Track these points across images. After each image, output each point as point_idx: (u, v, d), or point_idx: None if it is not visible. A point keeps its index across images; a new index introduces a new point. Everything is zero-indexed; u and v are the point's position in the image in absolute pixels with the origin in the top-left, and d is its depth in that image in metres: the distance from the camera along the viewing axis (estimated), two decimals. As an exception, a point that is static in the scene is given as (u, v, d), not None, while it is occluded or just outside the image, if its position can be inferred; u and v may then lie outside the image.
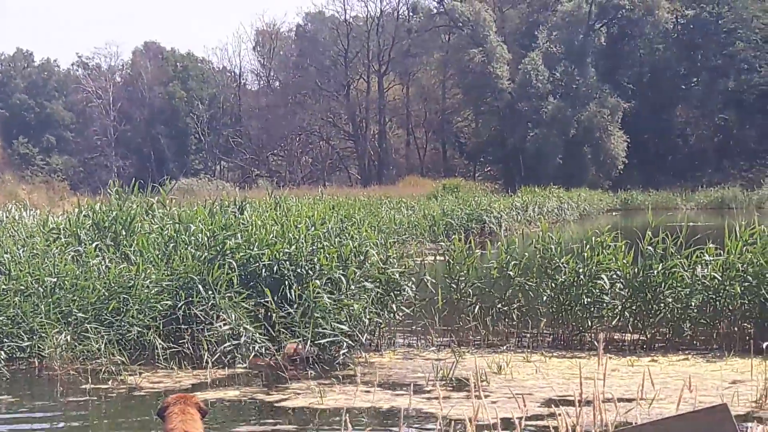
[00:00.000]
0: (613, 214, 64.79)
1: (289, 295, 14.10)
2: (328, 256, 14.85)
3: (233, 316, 13.58)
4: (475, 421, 5.44)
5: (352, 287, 14.66)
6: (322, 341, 13.52)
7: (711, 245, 14.99)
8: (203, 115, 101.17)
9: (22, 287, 14.51)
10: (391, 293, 15.39)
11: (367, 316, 14.47)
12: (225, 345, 13.35)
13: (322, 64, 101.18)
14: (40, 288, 14.39)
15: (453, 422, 5.52)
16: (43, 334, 13.58)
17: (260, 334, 13.55)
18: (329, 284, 14.50)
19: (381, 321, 15.26)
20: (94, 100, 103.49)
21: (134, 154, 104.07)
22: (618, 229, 16.42)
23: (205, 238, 15.56)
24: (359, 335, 14.12)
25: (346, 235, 16.67)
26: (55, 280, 14.52)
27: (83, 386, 12.24)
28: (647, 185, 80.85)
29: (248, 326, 13.51)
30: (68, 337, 13.37)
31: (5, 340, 13.76)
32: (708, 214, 57.06)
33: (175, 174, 78.32)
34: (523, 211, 49.29)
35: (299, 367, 12.89)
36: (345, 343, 13.85)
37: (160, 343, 13.56)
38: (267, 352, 13.36)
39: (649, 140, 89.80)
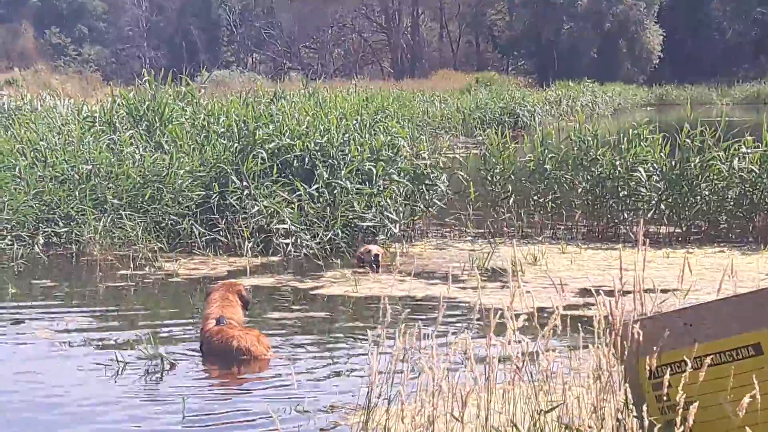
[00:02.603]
0: (648, 109, 64.08)
1: (320, 186, 14.09)
2: (359, 148, 14.81)
3: (268, 204, 13.62)
4: (512, 309, 5.42)
5: (381, 180, 14.65)
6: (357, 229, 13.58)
7: (749, 138, 14.85)
8: (235, 6, 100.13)
9: (58, 174, 14.60)
10: (423, 185, 15.37)
11: (399, 208, 14.48)
12: (260, 233, 13.44)
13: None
14: (75, 175, 14.47)
15: (491, 310, 5.50)
16: (80, 220, 13.68)
17: (296, 223, 13.59)
18: (360, 176, 14.49)
19: (415, 212, 15.26)
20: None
21: (166, 45, 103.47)
22: (654, 123, 16.26)
23: (236, 129, 15.52)
24: (393, 223, 14.14)
25: (379, 127, 16.60)
26: (90, 167, 14.58)
27: (121, 272, 12.36)
28: (682, 80, 79.83)
29: (287, 213, 13.51)
30: (106, 223, 13.47)
31: (41, 225, 13.88)
32: (743, 109, 56.36)
33: (208, 66, 77.89)
34: (557, 105, 48.95)
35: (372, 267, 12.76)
36: (379, 232, 13.94)
37: (197, 229, 13.62)
38: (305, 242, 13.39)
39: (685, 35, 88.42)
